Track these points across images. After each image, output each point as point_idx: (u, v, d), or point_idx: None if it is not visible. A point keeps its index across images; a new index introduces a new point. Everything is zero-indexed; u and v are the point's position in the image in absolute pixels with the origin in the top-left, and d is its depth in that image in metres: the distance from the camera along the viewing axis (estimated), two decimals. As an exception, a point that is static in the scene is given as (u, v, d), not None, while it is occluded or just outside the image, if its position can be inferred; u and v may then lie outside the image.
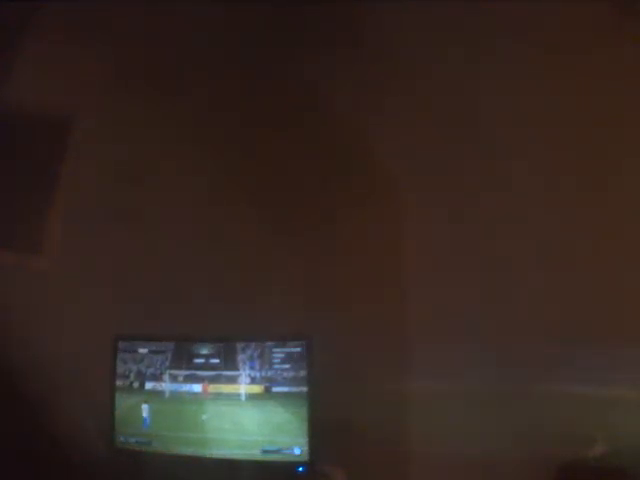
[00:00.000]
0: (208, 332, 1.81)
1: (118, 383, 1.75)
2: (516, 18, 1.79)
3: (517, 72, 1.79)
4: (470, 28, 1.83)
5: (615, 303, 1.67)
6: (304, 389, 1.63)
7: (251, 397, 1.66)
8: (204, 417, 1.70)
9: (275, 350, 1.71)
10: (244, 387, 1.65)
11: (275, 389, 1.63)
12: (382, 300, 1.86)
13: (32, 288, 1.99)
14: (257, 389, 1.65)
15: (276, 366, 1.70)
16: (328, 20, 1.93)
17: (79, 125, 2.08)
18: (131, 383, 1.72)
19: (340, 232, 1.90)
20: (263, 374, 1.63)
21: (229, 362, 1.65)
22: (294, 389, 1.63)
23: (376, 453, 1.76)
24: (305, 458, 1.66)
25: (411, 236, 1.86)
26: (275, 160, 1.97)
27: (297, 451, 1.67)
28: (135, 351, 1.82)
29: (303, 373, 1.65)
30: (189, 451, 1.72)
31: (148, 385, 1.72)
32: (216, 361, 1.67)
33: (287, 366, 1.69)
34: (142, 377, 1.72)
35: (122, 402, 1.77)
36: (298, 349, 1.70)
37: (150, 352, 1.81)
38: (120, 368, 1.75)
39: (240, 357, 1.65)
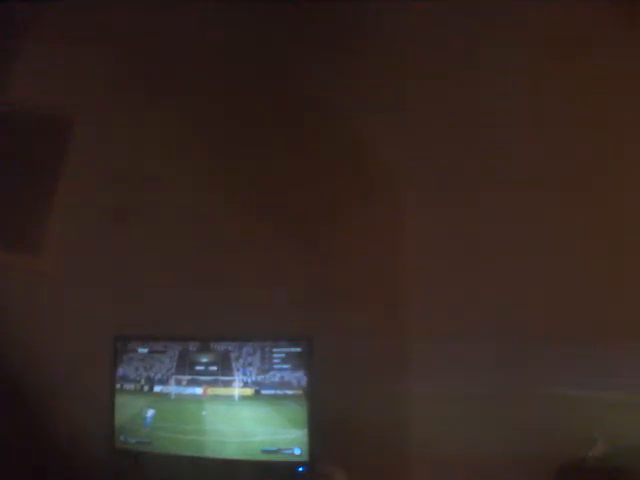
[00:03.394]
0: (208, 333, 1.82)
1: (129, 387, 1.85)
2: (516, 18, 1.79)
3: (517, 72, 1.79)
4: (470, 28, 1.83)
5: (615, 303, 1.67)
6: (288, 392, 1.72)
7: (243, 398, 1.76)
8: (203, 413, 1.78)
9: (275, 351, 1.74)
10: (237, 390, 1.77)
11: (264, 392, 1.74)
12: (382, 300, 1.86)
13: (32, 288, 1.99)
14: (248, 392, 1.76)
15: (276, 366, 1.73)
16: (328, 20, 1.93)
17: (79, 125, 2.08)
18: (142, 387, 1.84)
19: (340, 232, 1.90)
20: (253, 379, 1.76)
21: (225, 369, 1.78)
22: (279, 392, 1.73)
23: (376, 453, 1.76)
24: (305, 458, 1.67)
25: (411, 236, 1.86)
26: (275, 160, 1.97)
27: (297, 451, 1.68)
28: (135, 351, 1.84)
29: (292, 376, 1.72)
30: (190, 451, 1.75)
31: (157, 388, 1.83)
32: (214, 368, 1.79)
33: (287, 366, 1.72)
34: (151, 381, 1.84)
35: (128, 404, 1.83)
36: (298, 349, 1.71)
37: (150, 352, 1.84)
38: (132, 374, 1.85)
39: (234, 365, 1.78)
